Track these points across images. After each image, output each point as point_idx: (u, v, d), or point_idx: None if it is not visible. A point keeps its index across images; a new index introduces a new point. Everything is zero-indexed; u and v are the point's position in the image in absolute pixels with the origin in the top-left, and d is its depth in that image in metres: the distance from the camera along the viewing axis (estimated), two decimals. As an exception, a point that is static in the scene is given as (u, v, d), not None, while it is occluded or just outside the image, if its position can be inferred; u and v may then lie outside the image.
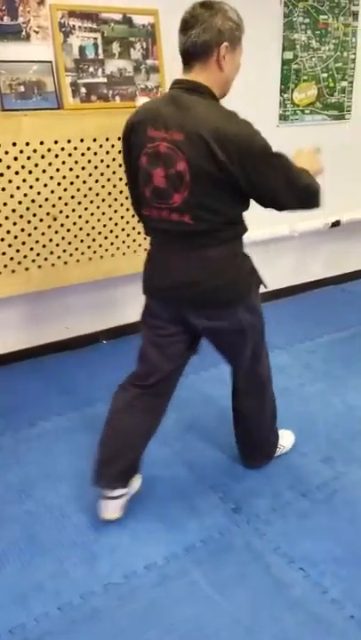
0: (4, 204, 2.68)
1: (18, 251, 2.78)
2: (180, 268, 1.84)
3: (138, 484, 2.15)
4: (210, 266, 1.83)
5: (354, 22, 3.69)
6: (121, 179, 2.94)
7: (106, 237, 3.00)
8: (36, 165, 2.69)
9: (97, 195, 2.90)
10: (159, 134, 1.72)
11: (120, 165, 2.91)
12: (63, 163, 2.75)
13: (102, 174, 2.88)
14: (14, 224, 2.73)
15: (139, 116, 1.82)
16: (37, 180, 2.71)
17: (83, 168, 2.81)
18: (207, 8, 1.73)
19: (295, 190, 1.77)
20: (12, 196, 2.68)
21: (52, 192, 2.77)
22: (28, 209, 2.73)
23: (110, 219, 2.98)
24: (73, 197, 2.83)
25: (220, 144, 1.64)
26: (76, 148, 2.77)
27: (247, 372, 2.12)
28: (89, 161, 2.82)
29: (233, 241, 1.87)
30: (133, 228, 3.07)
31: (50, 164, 2.72)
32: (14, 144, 2.62)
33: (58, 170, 2.75)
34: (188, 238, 1.80)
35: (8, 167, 2.63)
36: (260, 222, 3.79)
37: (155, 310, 2.00)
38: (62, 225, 2.85)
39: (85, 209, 2.89)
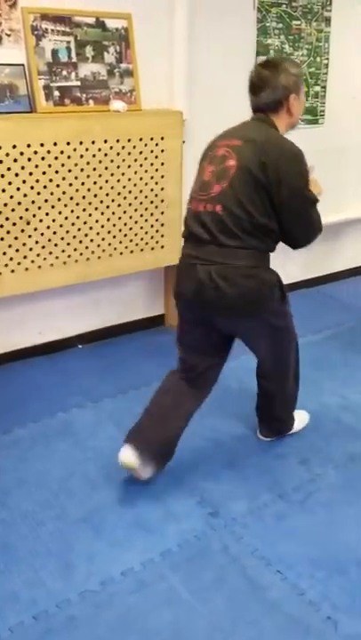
0: (-23, 208, 2.65)
1: (-9, 255, 2.75)
2: (204, 274, 1.97)
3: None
4: (231, 272, 1.96)
5: (326, 28, 3.73)
6: (95, 182, 2.92)
7: (80, 241, 2.98)
8: (9, 169, 2.66)
9: (71, 198, 2.88)
10: (223, 142, 2.03)
11: (94, 169, 2.90)
12: (36, 166, 2.73)
13: (76, 178, 2.86)
14: (-13, 228, 2.70)
15: (217, 136, 2.12)
16: (10, 183, 2.68)
17: (56, 172, 2.79)
18: (271, 69, 2.04)
19: (313, 227, 2.08)
20: (-16, 200, 2.65)
21: (25, 196, 2.74)
22: (0, 212, 2.70)
23: (85, 222, 2.96)
24: (46, 201, 2.81)
25: (266, 150, 1.93)
26: (49, 152, 2.74)
27: (266, 362, 2.29)
28: (62, 164, 2.80)
29: (258, 252, 2.00)
30: (109, 232, 3.05)
31: (23, 167, 2.69)
32: (-14, 147, 2.59)
33: (31, 173, 2.72)
34: (216, 237, 1.95)
35: (-20, 171, 2.60)
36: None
37: (182, 311, 2.17)
38: (36, 229, 2.82)
39: (59, 213, 2.86)
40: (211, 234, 1.96)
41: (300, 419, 2.59)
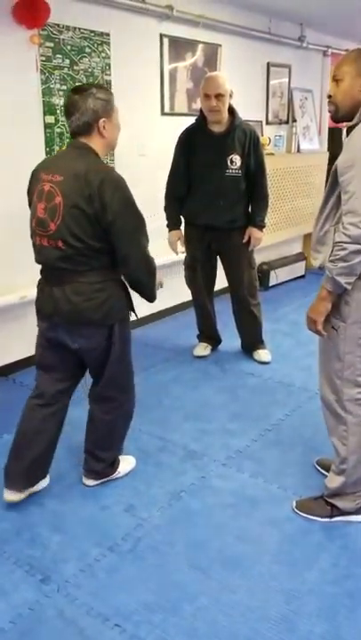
0: None
1: None
2: (60, 293, 2.17)
3: None
4: (84, 288, 2.16)
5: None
6: None
7: None
8: None
9: None
10: (46, 177, 2.15)
11: None
12: None
13: None
14: None
15: (40, 165, 2.27)
16: None
17: None
18: (80, 93, 2.12)
19: (142, 249, 2.19)
20: None
21: None
22: None
23: None
24: None
25: (89, 181, 2.05)
26: None
27: (109, 379, 2.37)
28: None
29: (105, 270, 2.20)
30: None
31: None
32: None
33: None
34: (63, 266, 2.14)
35: None
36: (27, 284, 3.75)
37: (42, 330, 2.36)
38: None
39: None
40: (59, 264, 2.15)
41: (127, 462, 2.66)
